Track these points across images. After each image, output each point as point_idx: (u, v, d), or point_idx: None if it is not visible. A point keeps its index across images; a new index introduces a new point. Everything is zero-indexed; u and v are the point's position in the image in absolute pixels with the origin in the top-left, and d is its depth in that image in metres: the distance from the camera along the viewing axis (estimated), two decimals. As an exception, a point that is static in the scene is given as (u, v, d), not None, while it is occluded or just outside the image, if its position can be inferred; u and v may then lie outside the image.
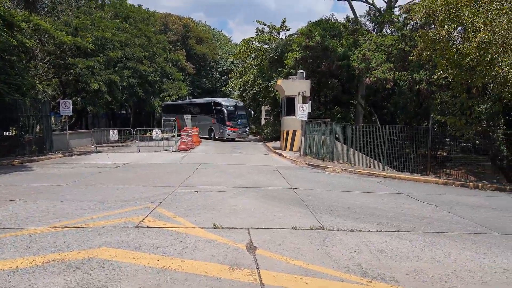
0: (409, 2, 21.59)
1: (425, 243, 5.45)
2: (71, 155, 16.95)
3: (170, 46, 42.37)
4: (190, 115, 30.83)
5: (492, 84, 11.88)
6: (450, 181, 12.13)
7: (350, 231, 5.92)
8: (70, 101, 19.14)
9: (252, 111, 35.12)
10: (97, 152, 18.84)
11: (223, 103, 29.21)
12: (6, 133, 16.70)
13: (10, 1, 17.25)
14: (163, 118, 32.05)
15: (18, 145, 15.64)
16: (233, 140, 29.04)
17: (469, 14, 10.67)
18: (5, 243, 4.90)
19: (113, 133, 20.72)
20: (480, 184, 11.58)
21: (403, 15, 20.94)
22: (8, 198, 7.66)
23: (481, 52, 10.55)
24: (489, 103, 12.87)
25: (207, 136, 30.50)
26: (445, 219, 7.12)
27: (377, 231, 6.00)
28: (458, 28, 12.31)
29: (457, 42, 12.29)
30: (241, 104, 31.71)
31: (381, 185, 11.30)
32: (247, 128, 30.99)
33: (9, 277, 3.84)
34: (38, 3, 20.19)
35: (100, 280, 3.81)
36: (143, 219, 6.18)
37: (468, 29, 10.98)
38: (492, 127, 13.51)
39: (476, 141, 14.15)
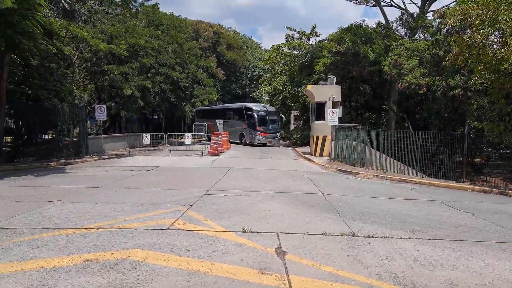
0: (443, 7, 21.07)
1: (461, 252, 5.25)
2: (105, 158, 17.47)
3: (201, 52, 43.03)
4: (222, 120, 31.10)
5: (533, 89, 11.41)
6: (487, 188, 11.66)
7: (381, 238, 5.79)
8: (105, 106, 19.79)
9: (283, 116, 34.82)
10: (130, 155, 19.35)
11: (254, 108, 29.08)
12: (45, 137, 17.41)
13: (50, 10, 18.04)
14: (195, 122, 32.40)
15: (56, 148, 16.31)
16: (264, 145, 28.64)
17: (507, 18, 10.28)
18: (44, 242, 5.10)
19: (146, 137, 21.23)
20: (520, 193, 11.07)
21: (437, 20, 20.37)
22: (47, 199, 7.98)
23: (520, 57, 10.15)
24: (530, 109, 12.33)
25: (238, 141, 30.43)
26: (482, 227, 6.85)
27: (410, 238, 5.83)
28: (496, 33, 11.88)
29: (495, 46, 11.86)
30: (272, 109, 31.31)
31: (414, 191, 11.01)
32: (278, 134, 30.52)
33: (47, 275, 3.99)
34: (76, 13, 21.03)
35: (132, 281, 3.89)
36: (174, 221, 6.28)
37: (506, 33, 10.59)
38: (533, 133, 12.93)
39: (516, 148, 13.57)
